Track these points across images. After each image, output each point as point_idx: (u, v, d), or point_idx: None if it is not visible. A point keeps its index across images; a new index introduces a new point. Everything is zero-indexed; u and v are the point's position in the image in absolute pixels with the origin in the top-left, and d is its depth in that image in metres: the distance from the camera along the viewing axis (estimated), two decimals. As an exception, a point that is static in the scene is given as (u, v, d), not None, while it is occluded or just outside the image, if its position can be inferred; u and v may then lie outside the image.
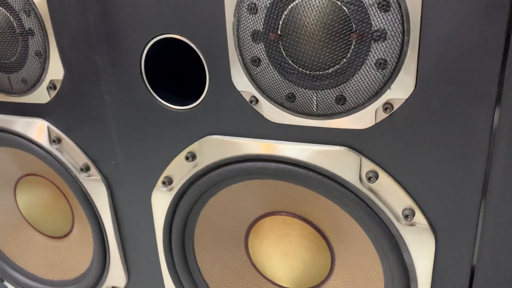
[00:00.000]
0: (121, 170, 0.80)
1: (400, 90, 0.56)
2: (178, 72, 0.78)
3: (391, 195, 0.62)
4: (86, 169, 0.82)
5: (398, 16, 0.52)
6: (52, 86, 0.78)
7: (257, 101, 0.64)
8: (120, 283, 0.91)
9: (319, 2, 0.54)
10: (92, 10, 0.69)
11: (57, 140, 0.82)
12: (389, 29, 0.53)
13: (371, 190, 0.62)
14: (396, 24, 0.53)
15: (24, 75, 0.78)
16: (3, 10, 0.73)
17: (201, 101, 0.68)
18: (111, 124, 0.77)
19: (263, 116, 0.65)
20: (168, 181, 0.74)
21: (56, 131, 0.82)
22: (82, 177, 0.83)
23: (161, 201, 0.77)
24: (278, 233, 0.76)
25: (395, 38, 0.53)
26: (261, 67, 0.61)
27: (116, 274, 0.90)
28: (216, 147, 0.69)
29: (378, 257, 0.67)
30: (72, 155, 0.82)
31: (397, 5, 0.52)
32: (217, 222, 0.78)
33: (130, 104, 0.73)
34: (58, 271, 1.01)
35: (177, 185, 0.74)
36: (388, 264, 0.66)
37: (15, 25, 0.74)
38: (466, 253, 0.63)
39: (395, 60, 0.55)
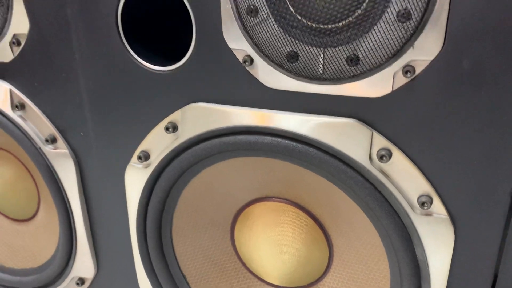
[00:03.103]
0: (92, 143, 0.69)
1: (425, 49, 0.47)
2: (161, 27, 0.68)
3: (406, 179, 0.52)
4: (52, 140, 0.71)
5: (429, -46, 0.43)
6: (15, 41, 0.67)
7: (251, 61, 0.54)
8: (88, 274, 0.81)
9: None
10: (63, -50, 0.59)
11: (20, 106, 0.71)
12: (417, -30, 0.43)
13: (382, 171, 0.53)
14: (426, -35, 0.43)
15: (-17, 28, 0.67)
16: None
17: (185, 62, 0.58)
18: (82, 88, 0.66)
19: (258, 80, 0.55)
20: (145, 156, 0.64)
21: (20, 95, 0.71)
22: (47, 149, 0.72)
23: (135, 179, 0.66)
24: (269, 221, 0.65)
25: (424, -17, 0.44)
26: (258, 18, 0.51)
27: (84, 263, 0.80)
28: (201, 117, 0.59)
29: (385, 252, 0.57)
30: (36, 123, 0.72)
31: None
32: (200, 206, 0.67)
33: (103, 63, 0.63)
34: (20, 258, 0.90)
35: (155, 161, 0.64)
36: (397, 261, 0.56)
37: (-27, -34, 0.63)
38: (489, 252, 0.53)
39: (421, 11, 0.45)
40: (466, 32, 0.45)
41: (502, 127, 0.48)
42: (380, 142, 0.52)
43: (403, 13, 0.45)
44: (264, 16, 0.51)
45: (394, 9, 0.45)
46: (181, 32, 0.69)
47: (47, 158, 0.73)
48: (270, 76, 0.54)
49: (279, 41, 0.51)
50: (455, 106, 0.48)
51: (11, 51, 0.68)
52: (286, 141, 0.55)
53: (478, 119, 0.48)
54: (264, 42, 0.52)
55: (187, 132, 0.60)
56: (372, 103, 0.51)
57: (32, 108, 0.71)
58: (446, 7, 0.45)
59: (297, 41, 0.51)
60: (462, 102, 0.48)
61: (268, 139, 0.56)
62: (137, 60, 0.60)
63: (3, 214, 0.91)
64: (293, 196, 0.63)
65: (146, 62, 0.61)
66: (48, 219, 0.85)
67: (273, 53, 0.52)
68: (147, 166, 0.65)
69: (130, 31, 0.61)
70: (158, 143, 0.63)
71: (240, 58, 0.55)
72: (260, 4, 0.50)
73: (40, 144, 0.72)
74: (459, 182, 0.51)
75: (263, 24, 0.51)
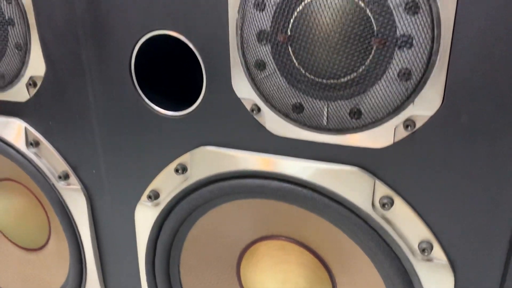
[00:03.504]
0: (103, 180, 0.72)
1: (425, 105, 0.49)
2: (173, 73, 0.71)
3: (407, 225, 0.54)
4: (65, 177, 0.73)
5: (428, 20, 0.45)
6: (32, 83, 0.70)
7: (259, 110, 0.57)
8: (97, 305, 0.82)
9: (337, 1, 0.47)
10: None
11: (34, 143, 0.74)
12: (416, 34, 0.46)
13: (384, 218, 0.55)
14: (425, 30, 0.46)
15: (2, 70, 0.70)
16: (-18, -4, 0.66)
17: (196, 107, 0.61)
18: (95, 128, 0.69)
19: (265, 127, 0.57)
20: (154, 196, 0.66)
21: (34, 133, 0.73)
22: (60, 185, 0.75)
23: (145, 217, 0.68)
24: (274, 259, 0.67)
25: (423, 46, 0.46)
26: (266, 72, 0.54)
27: (93, 294, 0.82)
28: (209, 160, 0.61)
29: (388, 294, 0.59)
30: (50, 160, 0.74)
31: (427, 7, 0.45)
32: (207, 244, 0.69)
33: (117, 107, 0.65)
34: (31, 286, 0.92)
35: (164, 200, 0.66)
36: (399, 303, 0.58)
37: (-6, 13, 0.66)
38: (489, 296, 0.55)
39: (421, 71, 0.47)
40: (464, 90, 0.47)
41: (500, 177, 0.50)
42: (383, 190, 0.54)
43: (404, 72, 0.48)
44: (271, 70, 0.53)
45: (396, 68, 0.48)
46: (191, 72, 0.72)
47: (59, 193, 0.76)
48: (276, 124, 0.57)
49: (285, 93, 0.54)
50: (454, 157, 0.51)
51: (27, 92, 0.71)
52: (292, 186, 0.58)
53: (477, 169, 0.50)
54: (271, 94, 0.55)
55: (196, 174, 0.63)
56: (374, 153, 0.53)
57: (46, 145, 0.74)
58: (445, 66, 0.47)
59: (302, 94, 0.53)
60: (461, 154, 0.50)
61: (274, 183, 0.58)
62: (150, 106, 0.63)
63: (14, 243, 0.93)
64: (298, 236, 0.65)
65: (157, 105, 0.63)
66: (58, 249, 0.87)
67: (279, 104, 0.55)
68: (156, 205, 0.67)
69: (142, 73, 0.64)
70: (168, 183, 0.65)
71: (248, 107, 0.57)
72: (268, 59, 0.53)
73: (53, 180, 0.75)
74: (459, 229, 0.53)
75: (270, 78, 0.54)
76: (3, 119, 0.75)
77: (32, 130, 0.74)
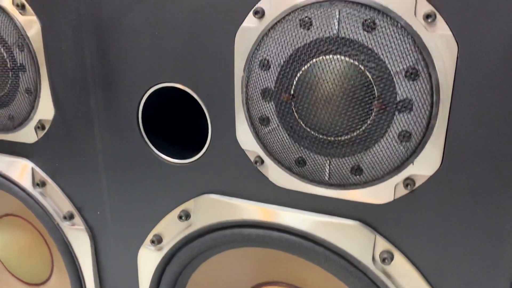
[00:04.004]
0: (108, 222, 0.73)
1: (424, 166, 0.50)
2: (178, 120, 0.72)
3: (407, 280, 0.55)
4: (70, 217, 0.75)
5: (427, 87, 0.47)
6: (40, 126, 0.71)
7: (262, 162, 0.58)
8: None
9: (339, 64, 0.49)
10: (89, 48, 0.64)
11: (41, 184, 0.75)
12: (416, 100, 0.47)
13: (384, 272, 0.55)
14: (424, 95, 0.47)
15: (12, 112, 0.72)
16: (-5, 43, 0.68)
17: (201, 156, 0.62)
18: (101, 171, 0.70)
19: (268, 178, 0.59)
20: (158, 240, 0.67)
21: (41, 174, 0.75)
22: (65, 225, 0.76)
23: (148, 261, 0.69)
24: (275, 305, 0.68)
25: (422, 110, 0.48)
26: (269, 127, 0.55)
27: (93, 332, 0.82)
28: (213, 208, 0.62)
29: None
30: (56, 200, 0.75)
31: (427, 75, 0.46)
32: (209, 287, 0.70)
33: (123, 152, 0.67)
34: (31, 321, 0.92)
35: (167, 245, 0.67)
36: None
37: (6, 59, 0.68)
38: None
39: (421, 133, 0.49)
40: (462, 152, 0.49)
41: (497, 236, 0.51)
42: (383, 245, 0.55)
43: (404, 135, 0.49)
44: (275, 125, 0.55)
45: (396, 130, 0.49)
46: (197, 119, 0.73)
47: (63, 233, 0.77)
48: (279, 176, 0.58)
49: (288, 148, 0.55)
50: (453, 216, 0.52)
51: (35, 134, 0.72)
52: (293, 238, 0.58)
53: (475, 228, 0.51)
54: (274, 148, 0.56)
55: (199, 221, 0.64)
56: (375, 208, 0.54)
57: (52, 186, 0.75)
58: (444, 130, 0.48)
59: (305, 149, 0.54)
60: (459, 213, 0.51)
61: (276, 234, 0.59)
62: (156, 153, 0.64)
63: (17, 278, 0.93)
64: (299, 283, 0.66)
65: (163, 151, 0.65)
66: (60, 284, 0.88)
67: (282, 158, 0.56)
68: (159, 250, 0.68)
69: (148, 118, 0.65)
70: (171, 229, 0.66)
71: (252, 158, 0.59)
72: (271, 115, 0.54)
73: (58, 219, 0.76)
74: (457, 285, 0.54)
75: (273, 133, 0.55)
76: (11, 158, 0.76)
77: (39, 170, 0.75)
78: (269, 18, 0.51)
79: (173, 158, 0.64)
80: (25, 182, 0.76)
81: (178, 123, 0.73)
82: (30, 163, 0.75)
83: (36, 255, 0.90)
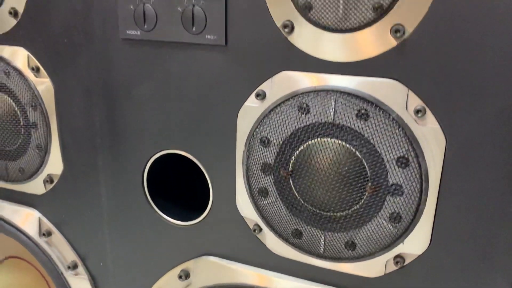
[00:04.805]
0: (110, 274, 0.75)
1: (414, 245, 0.53)
2: (181, 182, 0.75)
3: None
4: (73, 266, 0.77)
5: (417, 175, 0.50)
6: (49, 179, 0.74)
7: (260, 229, 0.61)
8: None
9: (335, 147, 0.52)
10: (99, 112, 0.67)
11: (47, 233, 0.78)
12: (406, 186, 0.50)
13: None
14: (414, 182, 0.50)
15: (22, 165, 0.75)
16: (11, 102, 0.72)
17: (202, 219, 0.65)
18: (105, 225, 0.73)
19: (265, 246, 0.61)
20: (158, 296, 0.70)
21: (48, 224, 0.78)
22: (68, 274, 0.78)
23: (148, 315, 0.72)
24: None
25: (412, 195, 0.50)
26: (268, 199, 0.58)
27: None
28: (211, 270, 0.65)
29: None
30: (61, 250, 0.78)
31: (416, 164, 0.49)
32: None
33: (127, 210, 0.70)
34: None
35: (167, 302, 0.69)
36: None
37: (20, 117, 0.72)
38: None
39: (411, 216, 0.51)
40: (450, 236, 0.51)
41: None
42: (374, 316, 0.57)
43: (395, 216, 0.52)
44: (273, 198, 0.58)
45: (387, 211, 0.52)
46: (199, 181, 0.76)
47: (67, 281, 0.79)
48: (276, 244, 0.60)
49: (285, 220, 0.58)
50: (442, 291, 0.54)
51: (44, 187, 0.75)
52: (289, 304, 0.61)
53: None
54: (272, 219, 0.59)
55: (198, 282, 0.66)
56: (366, 281, 0.57)
57: (57, 235, 0.78)
58: (432, 213, 0.51)
59: (301, 222, 0.57)
60: (447, 291, 0.54)
61: (272, 299, 0.62)
62: (161, 215, 0.67)
63: (18, 318, 0.95)
64: None
65: (165, 212, 0.68)
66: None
67: (280, 228, 0.59)
68: (159, 305, 0.70)
69: (153, 184, 0.68)
70: (171, 287, 0.69)
71: (251, 226, 0.61)
72: (270, 188, 0.57)
73: (62, 268, 0.78)
74: None
75: (272, 205, 0.58)
76: (19, 208, 0.79)
77: (45, 220, 0.78)
78: (270, 100, 0.55)
79: (175, 218, 0.67)
80: (32, 230, 0.79)
81: (180, 185, 0.76)
82: (38, 213, 0.78)
83: (38, 297, 0.92)
